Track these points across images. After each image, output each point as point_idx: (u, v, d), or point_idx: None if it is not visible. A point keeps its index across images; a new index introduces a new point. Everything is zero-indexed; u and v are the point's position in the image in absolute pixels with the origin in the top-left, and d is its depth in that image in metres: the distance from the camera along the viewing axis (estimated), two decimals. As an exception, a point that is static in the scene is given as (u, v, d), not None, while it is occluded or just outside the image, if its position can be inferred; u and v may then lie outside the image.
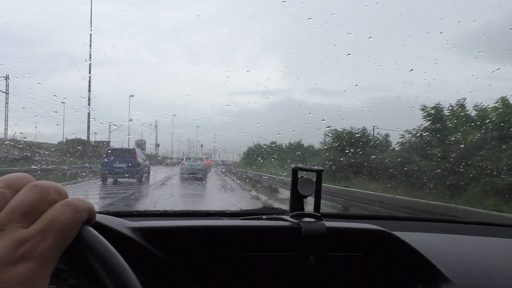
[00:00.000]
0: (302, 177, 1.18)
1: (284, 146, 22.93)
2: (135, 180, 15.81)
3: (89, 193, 11.12)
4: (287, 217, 1.16)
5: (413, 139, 15.00)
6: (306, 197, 1.18)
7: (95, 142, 22.37)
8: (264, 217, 1.26)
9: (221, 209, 1.82)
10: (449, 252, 1.37)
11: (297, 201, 1.18)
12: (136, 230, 1.04)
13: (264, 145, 20.24)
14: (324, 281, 1.18)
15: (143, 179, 16.49)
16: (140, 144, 17.92)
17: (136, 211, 1.73)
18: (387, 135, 19.85)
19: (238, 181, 18.61)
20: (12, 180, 0.56)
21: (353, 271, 1.20)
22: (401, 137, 15.25)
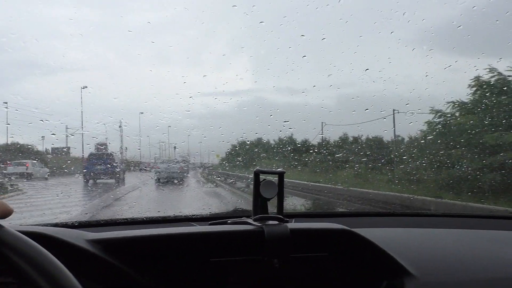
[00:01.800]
0: (264, 179, 1.17)
1: (273, 142, 20.53)
2: (113, 181, 17.13)
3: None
4: (251, 221, 1.16)
5: None
6: (269, 199, 1.18)
7: (52, 149, 21.30)
8: (229, 221, 1.26)
9: (191, 213, 1.81)
10: (413, 247, 1.39)
11: (260, 204, 1.18)
12: (95, 242, 1.02)
13: (248, 141, 17.14)
14: (291, 282, 1.18)
15: (120, 180, 17.86)
16: (100, 148, 17.61)
17: (103, 220, 1.70)
18: None
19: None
20: None
21: (319, 271, 1.21)
22: None
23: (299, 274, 1.19)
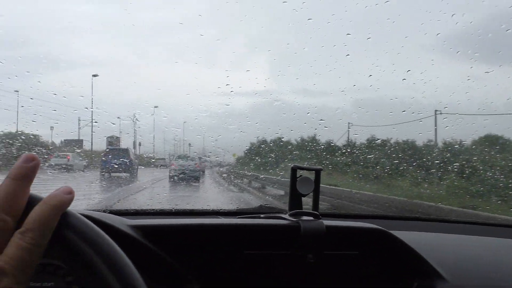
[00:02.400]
0: (300, 176, 1.19)
1: (295, 142, 18.16)
2: (128, 175, 17.84)
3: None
4: (286, 216, 1.17)
5: None
6: (304, 195, 1.19)
7: (65, 141, 20.76)
8: (262, 216, 1.27)
9: (218, 208, 1.83)
10: (444, 251, 1.39)
11: (295, 199, 1.19)
12: (136, 228, 1.04)
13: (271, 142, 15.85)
14: (322, 279, 1.19)
15: (134, 175, 18.41)
16: (112, 141, 17.85)
17: (133, 209, 1.72)
18: None
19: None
20: None
21: (350, 269, 1.21)
22: None
23: (331, 271, 1.20)
